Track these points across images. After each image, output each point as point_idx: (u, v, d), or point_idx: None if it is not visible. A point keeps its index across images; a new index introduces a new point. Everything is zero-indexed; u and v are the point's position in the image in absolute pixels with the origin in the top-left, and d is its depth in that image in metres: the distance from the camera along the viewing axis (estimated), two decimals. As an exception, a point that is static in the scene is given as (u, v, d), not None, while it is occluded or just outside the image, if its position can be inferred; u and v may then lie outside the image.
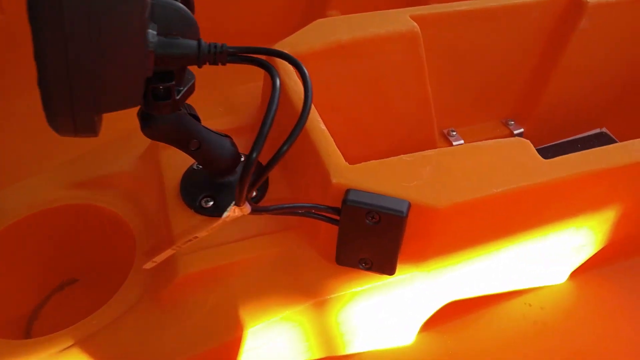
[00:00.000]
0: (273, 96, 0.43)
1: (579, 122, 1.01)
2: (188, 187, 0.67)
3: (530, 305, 0.70)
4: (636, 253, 0.76)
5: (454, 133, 0.93)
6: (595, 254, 0.72)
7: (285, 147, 0.44)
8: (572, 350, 0.67)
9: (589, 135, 1.04)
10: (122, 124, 0.77)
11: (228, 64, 0.50)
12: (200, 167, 0.68)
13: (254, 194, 0.65)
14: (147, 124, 0.54)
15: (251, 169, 0.42)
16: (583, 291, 0.73)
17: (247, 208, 0.46)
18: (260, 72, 0.78)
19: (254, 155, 0.42)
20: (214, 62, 0.48)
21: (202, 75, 0.87)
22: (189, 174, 0.68)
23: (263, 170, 0.44)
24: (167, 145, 0.70)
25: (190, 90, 0.53)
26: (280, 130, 0.58)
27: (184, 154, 0.62)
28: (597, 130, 1.05)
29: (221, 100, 0.78)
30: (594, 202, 0.63)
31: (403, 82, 0.79)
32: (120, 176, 0.71)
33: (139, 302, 0.60)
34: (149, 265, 0.50)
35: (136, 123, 0.61)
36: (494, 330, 0.68)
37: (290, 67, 0.67)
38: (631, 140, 0.63)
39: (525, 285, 0.71)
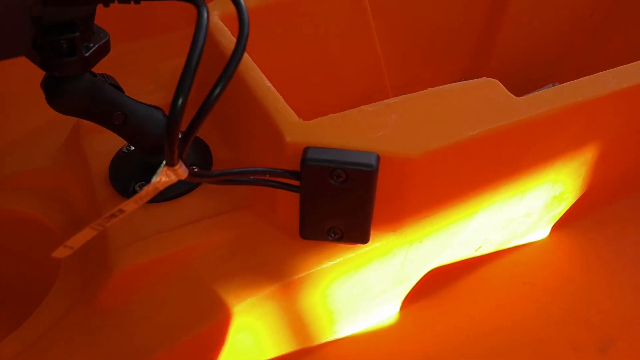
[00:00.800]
0: (199, 28, 0.35)
1: (531, 77, 0.98)
2: (119, 173, 0.57)
3: (516, 265, 0.64)
4: (613, 199, 0.72)
5: (409, 97, 0.87)
6: (575, 203, 0.67)
7: (221, 84, 0.35)
8: (565, 307, 0.62)
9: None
10: (34, 118, 0.67)
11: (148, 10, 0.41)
12: (131, 148, 0.59)
13: (195, 170, 0.56)
14: (55, 91, 0.44)
15: (180, 115, 0.34)
16: (567, 244, 0.68)
17: (182, 171, 0.37)
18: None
19: (181, 99, 0.34)
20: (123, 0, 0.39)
21: (129, 50, 0.78)
22: (119, 159, 0.59)
23: (197, 117, 0.36)
24: (90, 129, 0.61)
25: (104, 50, 0.44)
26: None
27: (112, 138, 0.53)
28: (550, 86, 1.02)
29: (151, 76, 0.68)
30: (572, 141, 0.58)
31: (350, 42, 0.72)
32: (37, 172, 0.61)
33: (69, 312, 0.50)
34: (61, 252, 0.40)
35: (50, 115, 0.51)
36: (482, 296, 0.61)
37: (222, 25, 0.58)
38: (604, 72, 0.58)
39: (509, 245, 0.65)
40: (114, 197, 0.55)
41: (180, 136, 0.37)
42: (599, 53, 1.00)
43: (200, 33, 0.35)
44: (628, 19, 0.96)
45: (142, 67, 0.74)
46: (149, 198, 0.38)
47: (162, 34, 0.82)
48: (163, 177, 0.36)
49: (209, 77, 0.43)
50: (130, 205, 0.37)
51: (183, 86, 0.34)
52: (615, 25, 0.97)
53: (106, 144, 0.60)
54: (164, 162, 0.36)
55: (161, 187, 0.37)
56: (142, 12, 0.79)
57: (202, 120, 0.36)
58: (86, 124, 0.61)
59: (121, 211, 0.38)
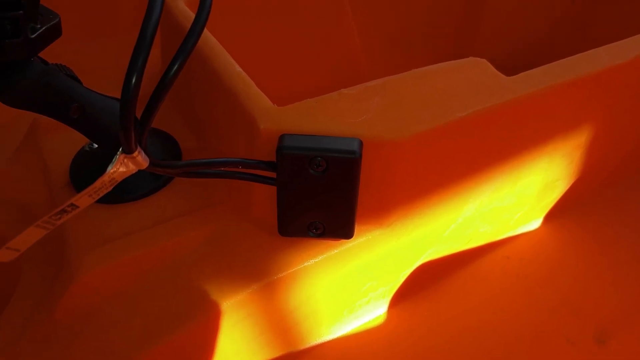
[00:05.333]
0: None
1: (516, 62, 0.95)
2: (80, 174, 0.53)
3: (508, 257, 0.61)
4: (607, 185, 0.69)
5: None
6: (567, 190, 0.64)
7: (180, 59, 0.31)
8: (560, 299, 0.58)
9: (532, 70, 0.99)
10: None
11: None
12: (94, 146, 0.54)
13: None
14: (0, 79, 0.40)
15: (134, 95, 0.29)
16: (561, 235, 0.65)
17: (142, 159, 0.33)
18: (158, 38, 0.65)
19: (134, 77, 0.29)
20: None
21: (97, 46, 0.74)
22: (81, 158, 0.54)
23: (155, 96, 0.31)
24: (50, 126, 0.57)
25: (54, 32, 0.40)
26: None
27: (74, 136, 0.48)
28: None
29: (114, 72, 0.64)
30: (565, 122, 0.55)
31: (325, 24, 0.68)
32: (-8, 176, 0.56)
33: (25, 331, 0.45)
34: (3, 255, 0.36)
35: (5, 114, 0.47)
36: (475, 290, 0.58)
37: (190, 13, 0.54)
38: (597, 48, 0.55)
39: (501, 236, 0.62)
40: (75, 198, 0.51)
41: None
42: (583, 38, 0.98)
43: (156, 1, 0.30)
44: (611, 3, 0.94)
45: (109, 63, 0.70)
46: (105, 191, 0.34)
47: (132, 32, 0.78)
48: (121, 167, 0.32)
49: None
50: (83, 199, 0.33)
51: (136, 62, 0.30)
52: (598, 9, 0.95)
53: (67, 142, 0.56)
54: (120, 150, 0.32)
55: (119, 178, 0.33)
56: (111, 9, 0.75)
57: (161, 100, 0.31)
58: (44, 121, 0.57)
59: (73, 206, 0.33)
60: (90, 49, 0.67)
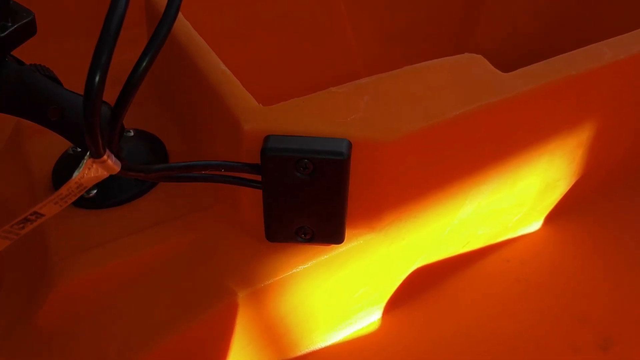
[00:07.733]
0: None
1: (515, 60, 0.93)
2: (63, 177, 0.51)
3: (508, 261, 0.59)
4: (610, 186, 0.67)
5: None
6: (568, 191, 0.62)
7: (149, 54, 0.29)
8: (562, 305, 0.56)
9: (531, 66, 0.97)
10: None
11: None
12: (78, 149, 0.53)
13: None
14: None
15: (97, 95, 0.28)
16: (562, 237, 0.63)
17: (112, 163, 0.31)
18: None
19: (98, 75, 0.27)
20: None
21: (75, 47, 0.72)
22: (64, 161, 0.53)
23: (123, 94, 0.30)
24: (34, 129, 0.55)
25: (27, 31, 0.39)
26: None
27: (60, 139, 0.47)
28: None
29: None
30: (566, 120, 0.53)
31: (317, 22, 0.66)
32: (-27, 180, 0.55)
33: (6, 337, 0.44)
34: None
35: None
36: (473, 296, 0.56)
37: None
38: (599, 43, 0.53)
39: (499, 239, 0.60)
40: (57, 203, 0.49)
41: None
42: (586, 32, 0.96)
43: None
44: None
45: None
46: (73, 198, 0.32)
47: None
48: (89, 172, 0.30)
49: (166, 72, 0.37)
50: (48, 207, 0.31)
51: (99, 59, 0.28)
52: (600, 3, 0.92)
53: (51, 145, 0.54)
54: (87, 154, 0.30)
55: (88, 184, 0.31)
56: (95, 7, 0.73)
57: (130, 99, 0.30)
58: (28, 123, 0.55)
59: (37, 215, 0.31)
60: (74, 49, 0.65)
